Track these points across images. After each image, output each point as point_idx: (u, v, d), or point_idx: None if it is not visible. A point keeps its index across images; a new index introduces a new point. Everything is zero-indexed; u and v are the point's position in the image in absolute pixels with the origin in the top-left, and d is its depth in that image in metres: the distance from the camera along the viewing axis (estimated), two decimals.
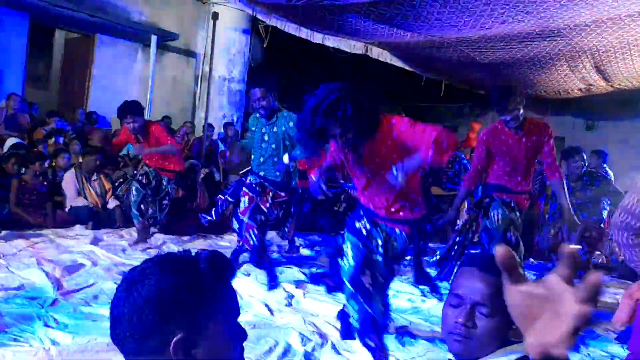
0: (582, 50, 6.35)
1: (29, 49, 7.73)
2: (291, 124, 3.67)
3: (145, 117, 8.03)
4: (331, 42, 7.37)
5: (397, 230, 2.55)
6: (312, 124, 2.25)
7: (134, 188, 4.82)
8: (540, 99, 9.66)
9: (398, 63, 8.48)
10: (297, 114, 2.76)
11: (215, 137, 8.85)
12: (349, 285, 2.50)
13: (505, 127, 3.49)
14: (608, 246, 6.43)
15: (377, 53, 7.96)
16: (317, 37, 7.16)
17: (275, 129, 3.74)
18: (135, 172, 5.16)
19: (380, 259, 2.51)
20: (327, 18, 6.12)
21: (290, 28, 6.89)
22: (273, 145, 3.77)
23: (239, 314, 0.88)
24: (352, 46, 7.61)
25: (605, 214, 5.00)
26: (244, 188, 3.90)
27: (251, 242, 3.78)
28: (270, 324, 3.10)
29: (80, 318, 2.87)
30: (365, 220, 2.57)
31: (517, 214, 3.58)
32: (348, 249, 2.55)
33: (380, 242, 2.53)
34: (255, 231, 3.77)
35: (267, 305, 3.40)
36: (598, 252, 6.41)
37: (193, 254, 0.87)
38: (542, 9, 4.88)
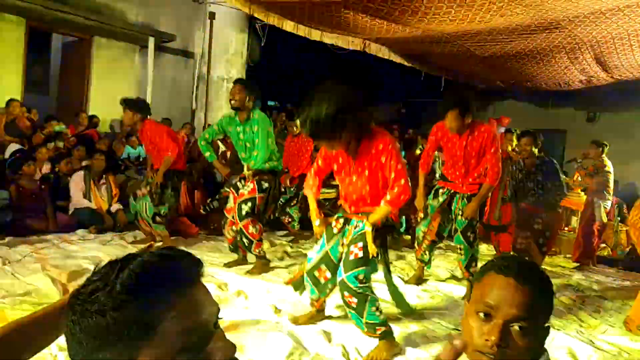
0: (581, 42, 6.33)
1: (27, 54, 7.71)
2: (255, 127, 4.00)
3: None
4: (329, 39, 7.34)
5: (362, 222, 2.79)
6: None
7: (146, 204, 4.83)
8: (541, 91, 9.64)
9: (397, 59, 8.46)
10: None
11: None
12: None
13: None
14: (614, 239, 6.43)
15: (375, 49, 7.93)
16: (314, 35, 7.13)
17: (247, 128, 4.07)
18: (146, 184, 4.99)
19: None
20: (324, 15, 6.10)
21: (288, 26, 6.86)
22: (248, 144, 4.11)
23: (197, 338, 0.67)
24: (350, 42, 7.58)
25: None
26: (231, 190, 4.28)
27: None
28: (276, 323, 3.09)
29: None
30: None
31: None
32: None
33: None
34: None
35: (270, 305, 3.40)
36: (603, 245, 6.40)
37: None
38: (540, 0, 4.86)
